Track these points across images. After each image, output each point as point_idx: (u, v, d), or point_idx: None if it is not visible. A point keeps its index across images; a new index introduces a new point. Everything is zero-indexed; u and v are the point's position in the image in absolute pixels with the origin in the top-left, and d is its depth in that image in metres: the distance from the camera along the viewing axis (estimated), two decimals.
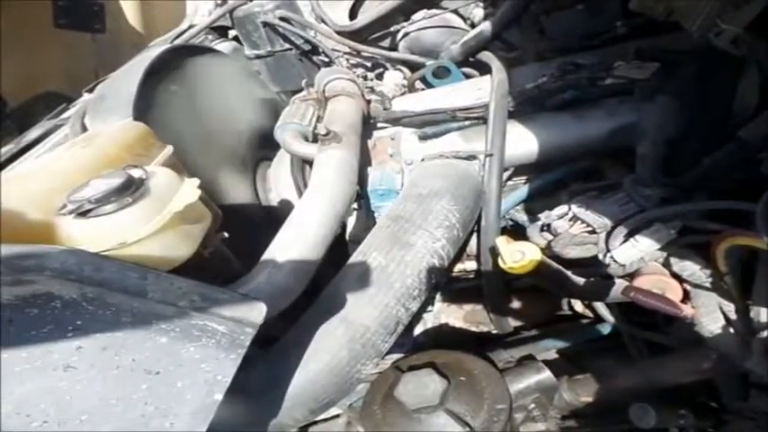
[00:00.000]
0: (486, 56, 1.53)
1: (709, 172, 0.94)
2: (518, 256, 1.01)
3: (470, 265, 1.38)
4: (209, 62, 1.68)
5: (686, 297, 0.93)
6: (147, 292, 0.67)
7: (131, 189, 0.85)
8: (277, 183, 1.67)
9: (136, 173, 0.90)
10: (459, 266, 1.44)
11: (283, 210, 1.64)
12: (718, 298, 0.89)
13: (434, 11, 1.80)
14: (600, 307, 1.15)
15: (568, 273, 1.03)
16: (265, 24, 2.00)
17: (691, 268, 0.91)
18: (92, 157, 1.00)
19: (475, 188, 1.21)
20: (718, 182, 0.95)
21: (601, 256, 0.99)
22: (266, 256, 1.02)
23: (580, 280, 1.03)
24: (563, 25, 1.49)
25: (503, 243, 1.03)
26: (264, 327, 0.96)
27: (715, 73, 1.01)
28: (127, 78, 1.37)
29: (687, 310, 0.90)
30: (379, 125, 1.56)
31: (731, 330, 0.87)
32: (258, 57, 2.10)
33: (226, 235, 1.06)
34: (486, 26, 1.59)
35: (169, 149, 1.13)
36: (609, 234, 0.97)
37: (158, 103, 1.38)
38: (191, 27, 2.17)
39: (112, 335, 0.64)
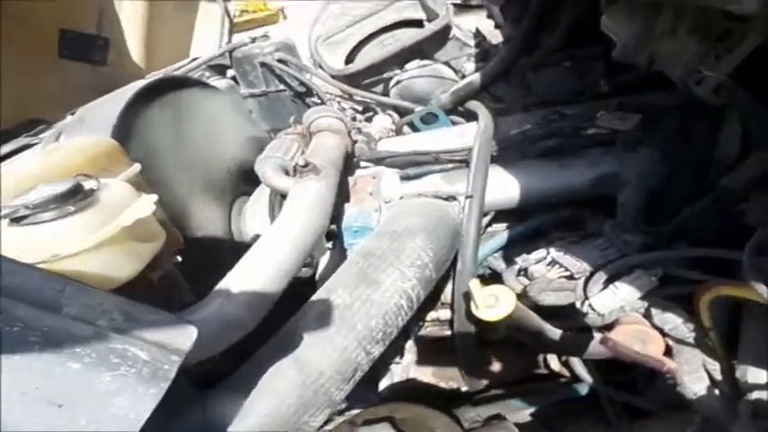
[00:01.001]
0: (474, 104, 1.54)
1: (689, 221, 0.91)
2: (491, 301, 0.94)
3: (444, 314, 1.31)
4: (198, 94, 1.68)
5: (668, 352, 0.86)
6: (61, 306, 0.60)
7: (77, 197, 0.79)
8: (253, 218, 1.62)
9: (88, 183, 0.86)
10: (432, 315, 1.36)
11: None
12: (703, 355, 0.82)
13: (427, 62, 1.84)
14: (576, 365, 1.07)
15: (545, 323, 0.96)
16: (263, 65, 2.04)
17: (673, 321, 0.84)
18: (50, 165, 0.96)
19: (452, 229, 1.16)
20: (698, 231, 0.91)
21: (578, 305, 0.93)
22: (221, 284, 0.95)
23: (557, 332, 0.96)
24: (549, 82, 1.51)
25: (476, 286, 0.97)
26: (210, 363, 0.88)
27: (696, 127, 1.00)
28: (111, 104, 1.36)
29: (669, 363, 0.82)
30: (363, 164, 1.54)
31: (716, 391, 0.79)
32: (252, 95, 2.13)
33: (179, 259, 1.00)
34: (475, 77, 1.62)
35: (136, 167, 1.09)
36: (587, 280, 0.91)
37: (139, 130, 1.35)
38: (190, 62, 2.21)
39: (17, 357, 0.56)
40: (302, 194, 1.18)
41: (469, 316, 1.06)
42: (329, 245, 1.48)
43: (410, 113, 1.71)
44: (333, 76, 1.93)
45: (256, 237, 1.57)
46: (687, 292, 0.84)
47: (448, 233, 1.14)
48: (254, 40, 2.21)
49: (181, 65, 2.25)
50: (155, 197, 0.94)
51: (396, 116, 1.81)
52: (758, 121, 0.82)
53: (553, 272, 0.96)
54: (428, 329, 1.37)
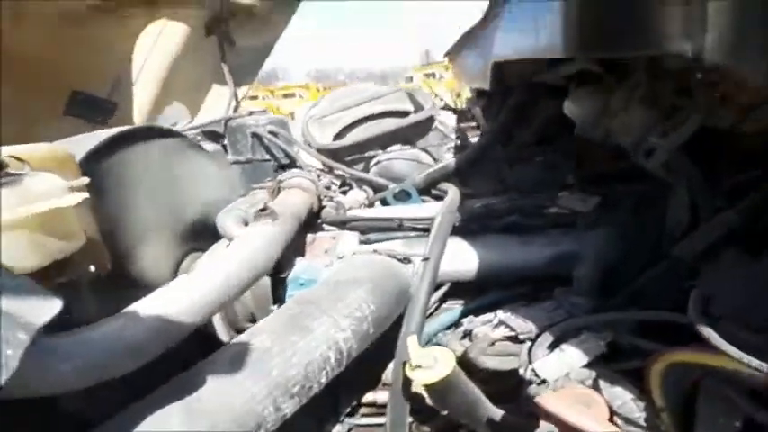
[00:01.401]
0: (446, 184, 1.55)
1: (641, 290, 0.85)
2: (429, 362, 0.84)
3: (383, 397, 1.17)
4: (172, 145, 1.61)
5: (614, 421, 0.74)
6: None
7: None
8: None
9: (16, 165, 0.81)
10: (369, 397, 1.22)
11: None
12: None
13: (408, 147, 1.91)
14: None
15: (485, 399, 0.84)
16: (254, 135, 2.11)
17: (622, 397, 0.73)
18: None
19: (401, 287, 1.09)
20: (651, 301, 0.84)
21: (522, 371, 0.82)
22: (129, 307, 0.84)
23: (498, 412, 0.84)
24: (522, 176, 1.54)
25: (414, 344, 0.87)
26: (87, 399, 0.74)
27: (650, 205, 0.99)
28: (86, 140, 1.34)
29: (611, 430, 0.70)
30: (327, 228, 1.51)
31: None
32: (237, 162, 2.16)
33: (92, 269, 0.91)
34: (450, 162, 1.66)
35: (83, 180, 1.05)
36: (532, 344, 0.82)
37: (102, 172, 1.30)
38: (186, 125, 2.28)
39: None
40: (251, 235, 1.13)
41: (406, 387, 0.94)
42: (275, 307, 1.38)
43: (385, 190, 1.72)
44: (318, 150, 1.99)
45: None
46: (639, 366, 0.75)
47: (395, 290, 1.06)
48: (251, 113, 2.32)
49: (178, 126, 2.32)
50: (84, 195, 0.89)
51: (371, 192, 1.82)
52: (703, 191, 0.81)
53: (497, 332, 0.87)
54: (362, 415, 1.22)
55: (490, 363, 0.87)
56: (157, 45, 2.88)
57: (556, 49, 0.80)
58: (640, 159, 0.85)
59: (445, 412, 1.12)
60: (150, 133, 1.53)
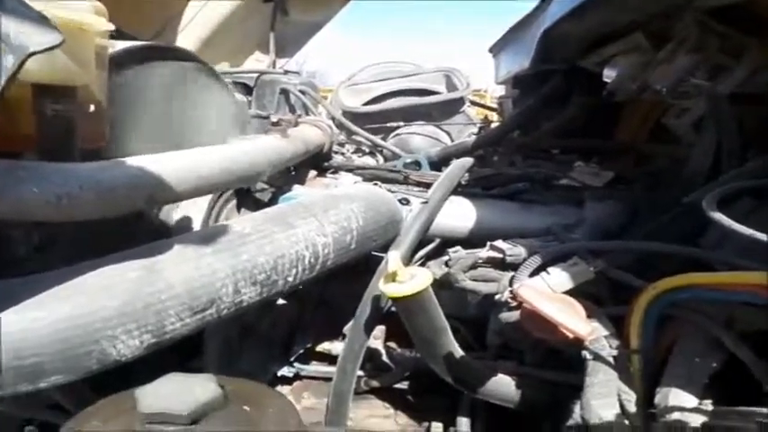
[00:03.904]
0: (461, 158, 1.53)
1: (650, 237, 0.80)
2: (405, 277, 0.81)
3: (339, 348, 1.11)
4: (191, 71, 1.51)
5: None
6: None
7: None
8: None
9: None
10: (325, 345, 1.18)
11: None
12: (619, 382, 0.64)
13: (430, 125, 1.90)
14: None
15: (450, 335, 0.80)
16: (283, 91, 2.12)
17: (597, 331, 0.68)
18: None
19: (393, 217, 1.06)
20: None
21: (498, 296, 0.78)
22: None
23: (459, 351, 0.79)
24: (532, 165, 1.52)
25: (395, 259, 0.83)
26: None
27: (667, 186, 0.96)
28: None
29: (586, 328, 0.65)
30: (330, 176, 1.49)
31: (626, 422, 0.61)
32: (258, 116, 2.15)
33: (92, 109, 0.89)
34: (468, 140, 1.64)
35: (106, 43, 1.04)
36: (517, 269, 0.78)
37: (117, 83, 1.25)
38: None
39: None
40: (255, 138, 1.11)
41: (375, 303, 0.90)
42: None
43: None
44: (343, 113, 1.99)
45: (182, 220, 1.40)
46: (622, 314, 0.70)
47: (387, 216, 1.03)
48: (286, 72, 2.33)
49: None
50: (111, 27, 0.88)
51: (382, 161, 1.81)
52: (733, 137, 0.77)
53: (484, 252, 0.83)
54: (312, 365, 1.18)
55: (468, 284, 0.83)
56: (213, 1, 2.91)
57: None
58: (671, 120, 0.82)
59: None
60: (173, 53, 1.44)
